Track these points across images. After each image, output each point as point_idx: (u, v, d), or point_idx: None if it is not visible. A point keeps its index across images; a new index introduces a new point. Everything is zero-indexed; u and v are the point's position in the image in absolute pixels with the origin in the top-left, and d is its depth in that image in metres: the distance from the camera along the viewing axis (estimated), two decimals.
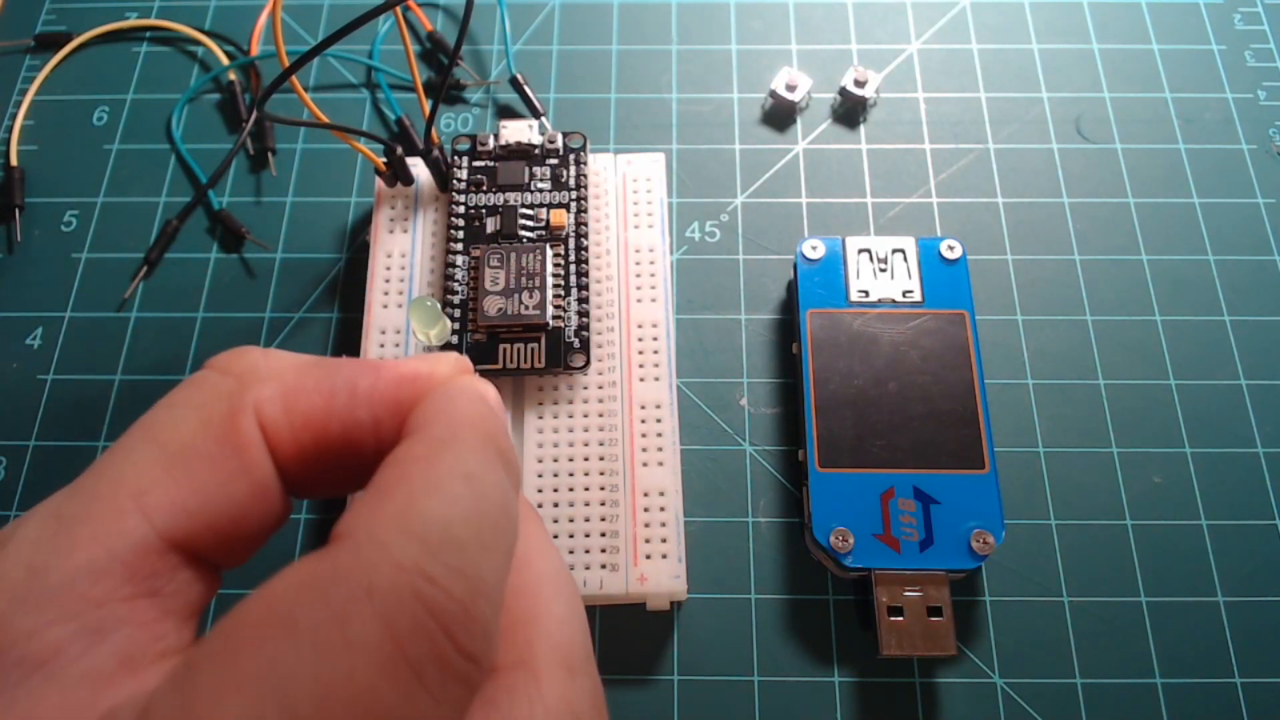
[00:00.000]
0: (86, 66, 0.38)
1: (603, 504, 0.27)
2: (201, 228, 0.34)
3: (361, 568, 0.11)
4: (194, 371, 0.16)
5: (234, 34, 0.38)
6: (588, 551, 0.27)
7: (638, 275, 0.30)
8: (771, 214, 0.34)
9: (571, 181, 0.31)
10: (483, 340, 0.28)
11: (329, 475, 0.16)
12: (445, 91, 0.35)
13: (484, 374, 0.28)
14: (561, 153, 0.31)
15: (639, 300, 0.30)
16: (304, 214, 0.34)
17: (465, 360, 0.17)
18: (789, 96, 0.35)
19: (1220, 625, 0.28)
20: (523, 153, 0.31)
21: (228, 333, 0.32)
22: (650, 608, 0.28)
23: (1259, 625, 0.28)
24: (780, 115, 0.36)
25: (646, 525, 0.27)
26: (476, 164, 0.31)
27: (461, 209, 0.30)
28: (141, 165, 0.35)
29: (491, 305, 0.28)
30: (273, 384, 0.15)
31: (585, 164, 0.31)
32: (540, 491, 0.27)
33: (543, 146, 0.31)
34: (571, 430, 0.28)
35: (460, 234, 0.30)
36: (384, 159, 0.31)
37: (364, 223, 0.34)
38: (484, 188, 0.31)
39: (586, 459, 0.28)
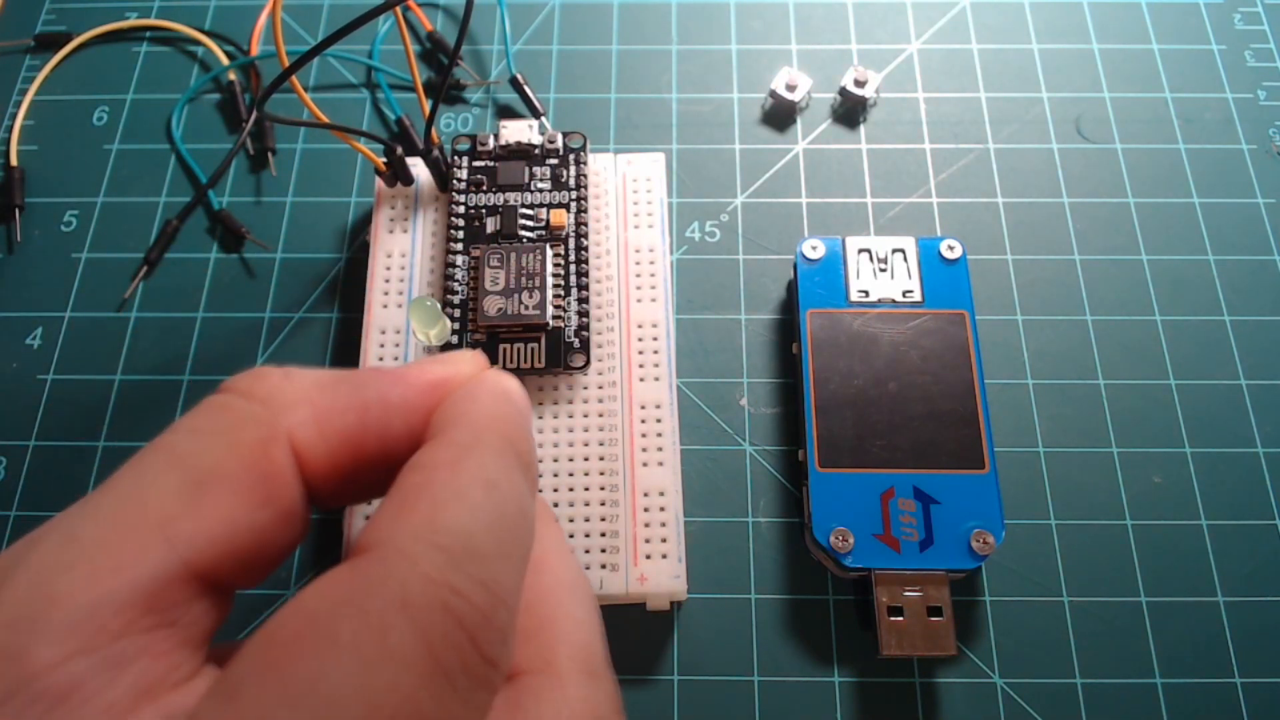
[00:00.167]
0: (86, 66, 0.38)
1: (603, 504, 0.27)
2: (201, 228, 0.34)
3: (394, 580, 0.12)
4: (193, 374, 0.16)
5: (234, 34, 0.38)
6: (588, 551, 0.27)
7: (638, 275, 0.30)
8: (771, 214, 0.34)
9: (571, 181, 0.31)
10: (483, 340, 0.28)
11: (363, 487, 0.16)
12: (445, 91, 0.35)
13: None
14: (561, 153, 0.31)
15: (639, 300, 0.30)
16: (304, 214, 0.34)
17: (482, 356, 0.17)
18: (789, 96, 0.35)
19: (1220, 625, 0.28)
20: (523, 153, 0.31)
21: (228, 333, 0.32)
22: (650, 608, 0.28)
23: (1259, 625, 0.28)
24: (780, 115, 0.36)
25: (646, 525, 0.27)
26: (476, 164, 0.31)
27: (461, 209, 0.30)
28: (141, 165, 0.35)
29: (491, 305, 0.28)
30: (303, 408, 0.15)
31: (585, 164, 0.31)
32: (540, 491, 0.27)
33: (543, 146, 0.31)
34: (571, 430, 0.28)
35: (460, 234, 0.30)
36: (384, 159, 0.31)
37: (364, 223, 0.34)
38: (484, 188, 0.31)
39: (586, 459, 0.28)
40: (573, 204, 0.30)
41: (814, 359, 0.29)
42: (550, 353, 0.28)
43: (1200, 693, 0.27)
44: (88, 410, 0.31)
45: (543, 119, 0.36)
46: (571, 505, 0.27)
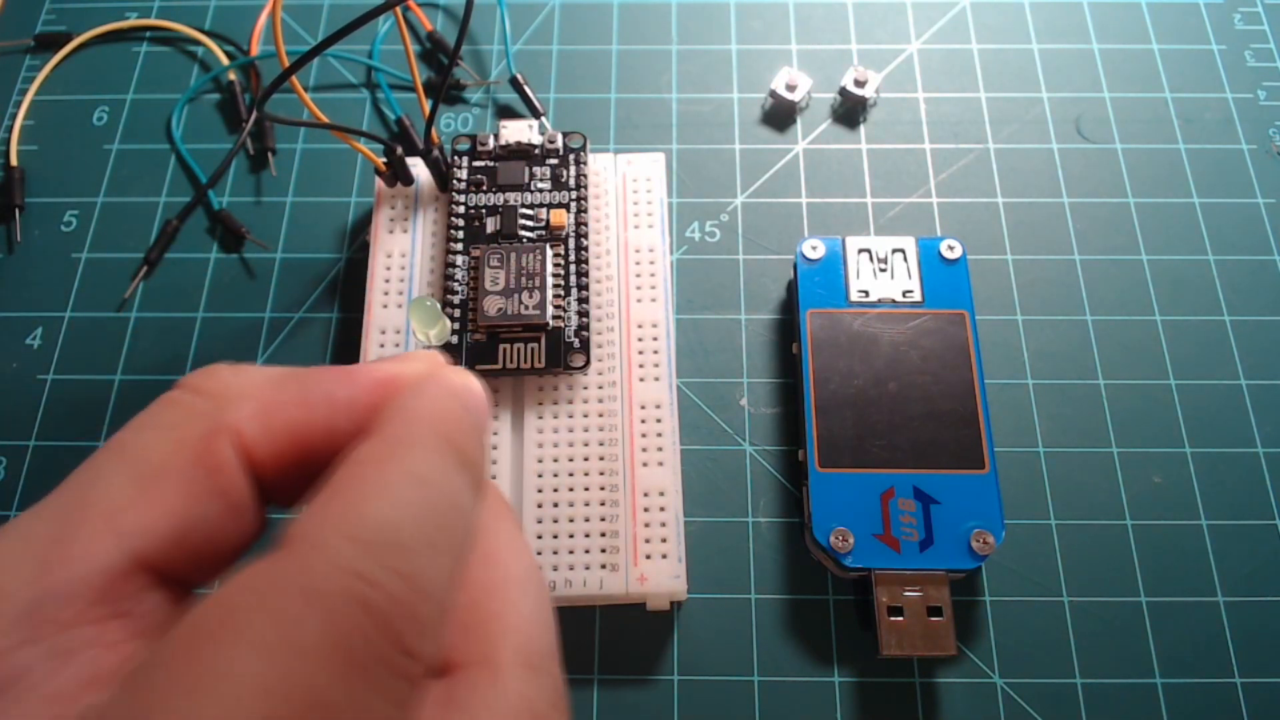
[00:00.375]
0: (86, 66, 0.38)
1: (603, 504, 0.27)
2: (201, 228, 0.34)
3: (302, 570, 0.12)
4: (178, 378, 0.16)
5: (234, 34, 0.38)
6: (588, 551, 0.27)
7: (638, 275, 0.30)
8: (771, 214, 0.34)
9: (571, 181, 0.31)
10: (483, 340, 0.28)
11: (314, 483, 0.16)
12: (445, 91, 0.35)
13: (484, 374, 0.28)
14: (561, 153, 0.31)
15: (639, 300, 0.30)
16: (304, 214, 0.34)
17: (437, 356, 0.17)
18: (789, 96, 0.35)
19: (1220, 625, 0.28)
20: (523, 153, 0.31)
21: (228, 333, 0.32)
22: (650, 608, 0.28)
23: (1259, 625, 0.28)
24: (780, 115, 0.36)
25: (646, 525, 0.27)
26: (476, 164, 0.31)
27: (461, 209, 0.30)
28: (141, 165, 0.35)
29: (491, 305, 0.28)
30: (250, 402, 0.15)
31: (585, 164, 0.31)
32: (540, 491, 0.27)
33: (543, 146, 0.31)
34: (571, 430, 0.28)
35: (460, 234, 0.30)
36: (384, 159, 0.31)
37: (364, 223, 0.34)
38: (484, 188, 0.31)
39: (586, 459, 0.28)
40: (573, 204, 0.30)
41: (814, 359, 0.29)
42: (550, 353, 0.28)
43: (1200, 693, 0.27)
44: (88, 410, 0.31)
45: (543, 119, 0.36)
46: (571, 505, 0.27)
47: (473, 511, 0.14)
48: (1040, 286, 0.33)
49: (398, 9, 0.27)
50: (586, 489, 0.27)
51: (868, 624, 0.27)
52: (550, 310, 0.28)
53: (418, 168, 0.32)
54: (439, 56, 0.38)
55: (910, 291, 0.30)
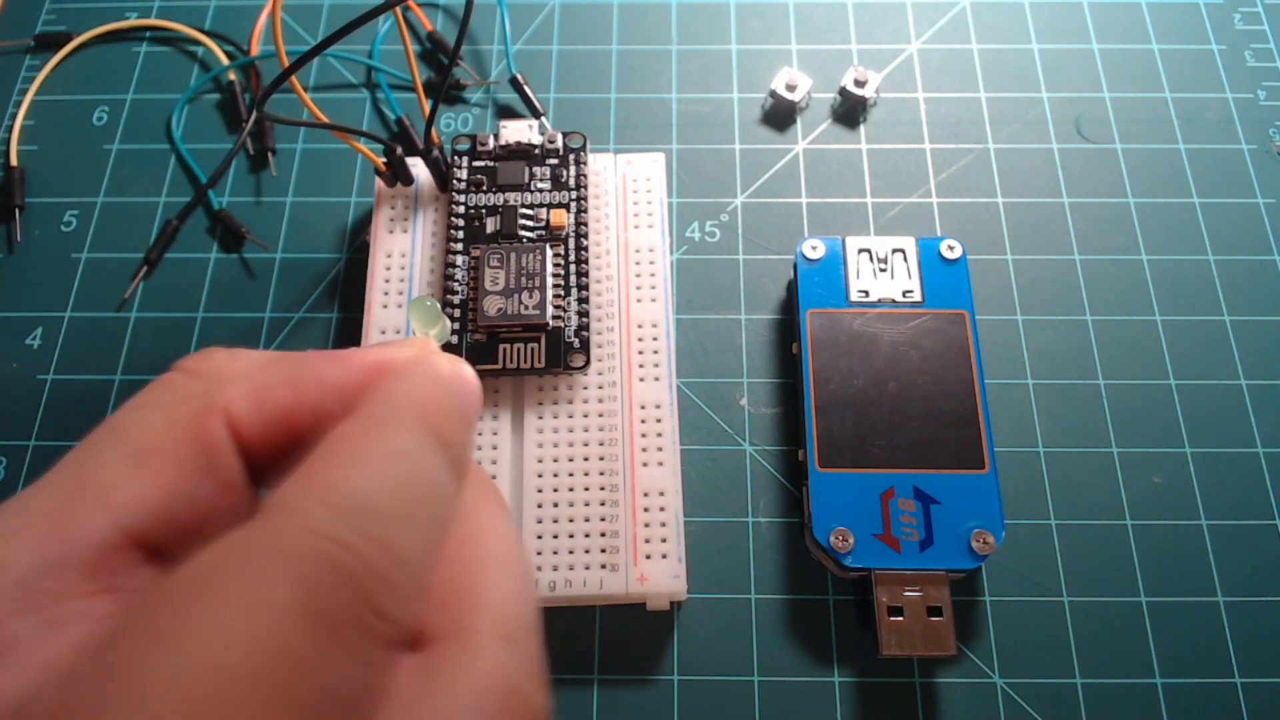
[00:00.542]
0: (86, 66, 0.38)
1: (603, 504, 0.27)
2: (201, 228, 0.34)
3: (274, 532, 0.12)
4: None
5: (234, 34, 0.38)
6: (588, 551, 0.27)
7: (638, 275, 0.30)
8: (771, 214, 0.34)
9: (571, 181, 0.31)
10: (483, 340, 0.28)
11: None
12: (445, 91, 0.35)
13: (484, 374, 0.28)
14: (561, 153, 0.31)
15: (639, 300, 0.30)
16: (304, 214, 0.34)
17: (430, 343, 0.18)
18: (789, 96, 0.35)
19: (1220, 625, 0.28)
20: (523, 153, 0.31)
21: (228, 333, 0.32)
22: (650, 608, 0.28)
23: (1259, 625, 0.28)
24: (780, 115, 0.36)
25: (646, 525, 0.27)
26: (476, 164, 0.31)
27: (461, 209, 0.30)
28: (141, 165, 0.35)
29: (491, 305, 0.28)
30: (241, 384, 0.15)
31: (585, 164, 0.31)
32: (540, 491, 0.27)
33: (543, 146, 0.31)
34: (571, 430, 0.28)
35: (460, 234, 0.30)
36: (384, 159, 0.31)
37: (364, 223, 0.34)
38: (484, 188, 0.31)
39: (586, 459, 0.28)
40: (573, 204, 0.30)
41: (814, 359, 0.29)
42: (550, 353, 0.28)
43: (1200, 693, 0.27)
44: (88, 410, 0.31)
45: (543, 119, 0.36)
46: (571, 505, 0.27)
47: (452, 492, 0.15)
48: (1040, 286, 0.33)
49: (398, 9, 0.27)
50: (586, 489, 0.27)
51: (868, 624, 0.27)
52: (550, 310, 0.28)
53: (418, 168, 0.32)
54: (439, 56, 0.38)
55: (910, 291, 0.30)
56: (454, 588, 0.15)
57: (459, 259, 0.30)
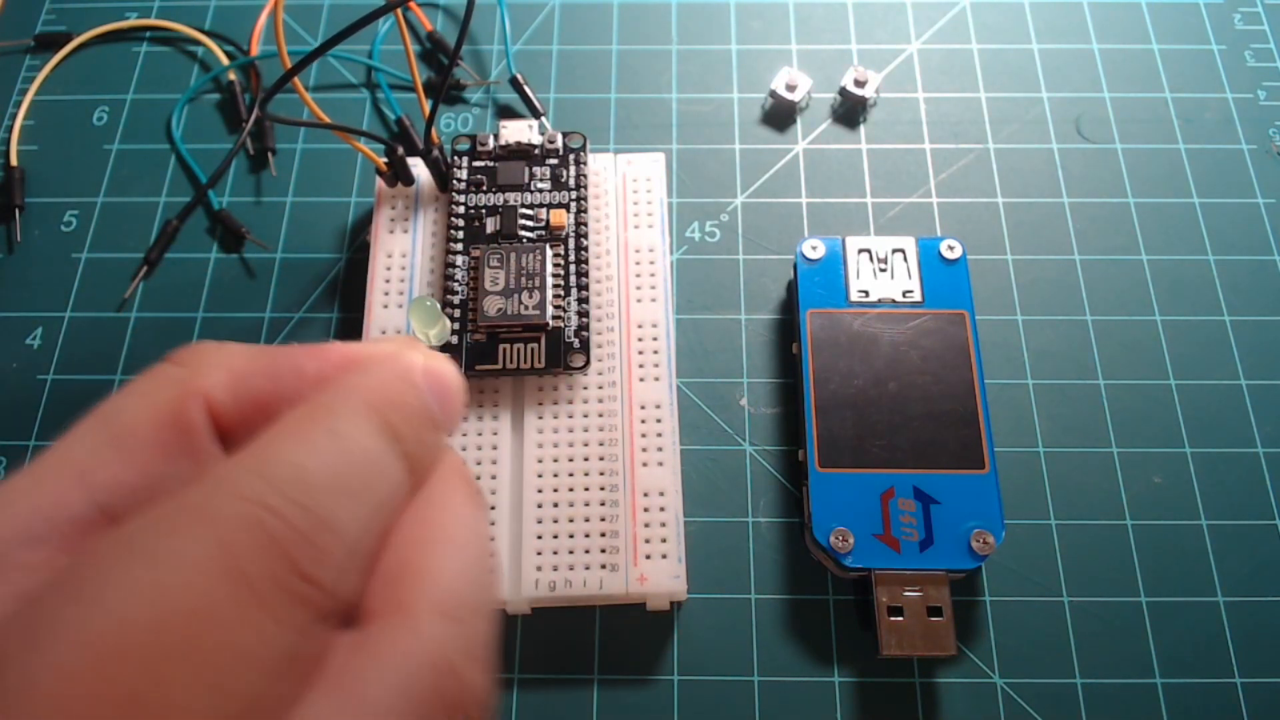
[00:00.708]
0: (86, 66, 0.38)
1: (603, 504, 0.27)
2: (201, 228, 0.34)
3: (203, 495, 0.13)
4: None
5: (234, 34, 0.38)
6: (588, 551, 0.27)
7: (638, 275, 0.30)
8: (771, 214, 0.34)
9: (571, 181, 0.31)
10: (483, 340, 0.28)
11: None
12: (445, 91, 0.35)
13: (484, 374, 0.28)
14: (561, 153, 0.31)
15: (639, 300, 0.30)
16: (304, 214, 0.34)
17: (412, 340, 0.18)
18: (789, 96, 0.35)
19: (1220, 625, 0.28)
20: (523, 153, 0.31)
21: (228, 333, 0.32)
22: (650, 608, 0.28)
23: (1259, 625, 0.28)
24: (780, 115, 0.36)
25: (646, 525, 0.27)
26: (476, 164, 0.31)
27: (461, 209, 0.30)
28: (141, 165, 0.35)
29: (491, 305, 0.28)
30: (222, 372, 0.16)
31: (585, 164, 0.31)
32: (540, 491, 0.27)
33: (543, 146, 0.31)
34: (571, 430, 0.28)
35: (460, 234, 0.30)
36: (384, 159, 0.31)
37: (364, 223, 0.34)
38: (484, 188, 0.31)
39: (586, 459, 0.28)
40: (573, 204, 0.30)
41: (814, 359, 0.29)
42: (550, 353, 0.28)
43: (1200, 693, 0.27)
44: (88, 410, 0.31)
45: (543, 119, 0.36)
46: (571, 505, 0.27)
47: (399, 479, 0.15)
48: (1040, 286, 0.33)
49: (398, 9, 0.27)
50: (586, 489, 0.27)
51: (868, 624, 0.27)
52: (550, 310, 0.28)
53: (418, 168, 0.32)
54: (439, 56, 0.38)
55: (910, 291, 0.30)
56: (399, 567, 0.15)
57: (459, 259, 0.30)
